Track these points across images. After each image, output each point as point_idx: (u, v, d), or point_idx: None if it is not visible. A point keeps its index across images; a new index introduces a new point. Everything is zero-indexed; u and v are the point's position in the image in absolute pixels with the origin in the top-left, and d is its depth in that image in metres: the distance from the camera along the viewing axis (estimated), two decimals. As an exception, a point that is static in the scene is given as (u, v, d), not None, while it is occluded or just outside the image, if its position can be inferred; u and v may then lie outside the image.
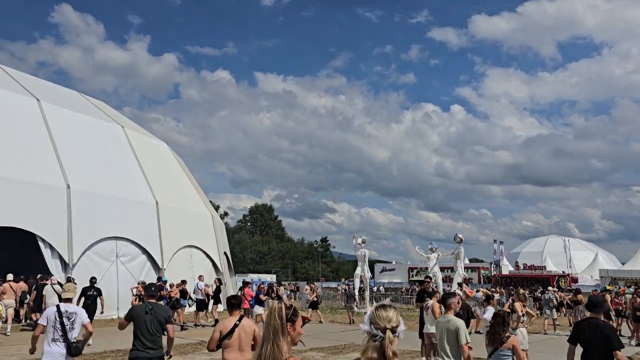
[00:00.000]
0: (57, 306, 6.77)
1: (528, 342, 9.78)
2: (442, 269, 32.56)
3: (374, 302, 29.17)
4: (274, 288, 28.75)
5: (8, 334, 15.48)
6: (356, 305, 25.29)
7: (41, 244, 18.96)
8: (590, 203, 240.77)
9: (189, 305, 20.67)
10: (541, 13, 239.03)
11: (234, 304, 6.40)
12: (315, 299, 23.48)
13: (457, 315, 7.13)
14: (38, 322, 6.88)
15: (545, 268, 59.62)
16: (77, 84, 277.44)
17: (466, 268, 41.12)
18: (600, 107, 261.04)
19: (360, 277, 29.04)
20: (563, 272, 58.17)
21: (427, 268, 32.31)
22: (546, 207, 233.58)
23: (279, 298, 17.52)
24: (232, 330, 5.91)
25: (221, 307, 22.00)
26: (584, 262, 65.83)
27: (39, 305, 16.72)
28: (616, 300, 19.18)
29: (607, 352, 5.72)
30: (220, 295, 21.68)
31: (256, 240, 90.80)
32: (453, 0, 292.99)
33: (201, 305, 20.14)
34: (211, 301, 21.08)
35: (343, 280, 61.09)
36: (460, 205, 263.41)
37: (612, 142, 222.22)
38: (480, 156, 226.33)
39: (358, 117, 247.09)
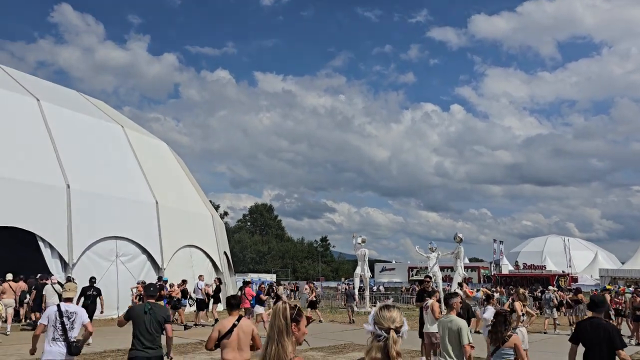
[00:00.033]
0: (58, 306, 6.81)
1: (528, 342, 9.77)
2: (442, 269, 32.49)
3: (374, 301, 29.25)
4: (274, 288, 28.72)
5: (8, 333, 15.46)
6: (356, 305, 25.31)
7: (41, 244, 18.97)
8: (590, 203, 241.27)
9: (190, 305, 20.70)
10: (541, 13, 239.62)
11: (233, 304, 6.45)
12: (314, 299, 23.46)
13: (458, 315, 7.14)
14: (39, 321, 6.91)
15: (545, 267, 59.67)
16: (77, 84, 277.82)
17: (466, 267, 41.07)
18: (599, 107, 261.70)
19: (360, 276, 29.02)
20: (563, 271, 58.18)
21: (426, 267, 32.24)
22: (546, 206, 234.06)
23: (278, 298, 17.53)
24: (230, 330, 5.96)
25: (221, 307, 22.01)
26: (584, 261, 65.88)
27: (38, 305, 16.71)
28: (616, 299, 19.21)
29: (610, 351, 5.72)
30: (220, 294, 21.70)
31: (256, 239, 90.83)
32: (453, 0, 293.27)
33: (201, 305, 20.15)
34: (211, 301, 21.10)
35: (343, 279, 61.11)
36: (460, 205, 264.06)
37: (611, 141, 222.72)
38: (480, 156, 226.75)
39: (358, 116, 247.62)
